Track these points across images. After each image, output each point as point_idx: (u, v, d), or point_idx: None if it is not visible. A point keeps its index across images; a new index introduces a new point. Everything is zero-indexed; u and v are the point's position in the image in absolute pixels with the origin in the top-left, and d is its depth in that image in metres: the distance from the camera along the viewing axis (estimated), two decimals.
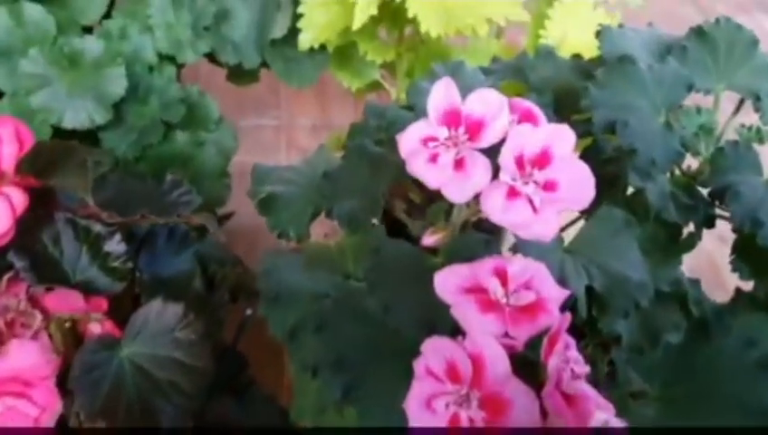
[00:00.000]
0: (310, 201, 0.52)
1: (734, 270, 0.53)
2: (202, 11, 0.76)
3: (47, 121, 0.69)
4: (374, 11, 0.69)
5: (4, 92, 0.71)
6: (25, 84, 0.69)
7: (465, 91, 0.63)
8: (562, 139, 0.41)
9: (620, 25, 0.62)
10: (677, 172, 0.52)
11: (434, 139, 0.43)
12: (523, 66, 0.64)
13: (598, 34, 0.61)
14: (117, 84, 0.70)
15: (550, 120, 0.57)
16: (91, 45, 0.70)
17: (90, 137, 0.74)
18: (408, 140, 0.44)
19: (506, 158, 0.40)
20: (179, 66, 0.78)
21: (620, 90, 0.50)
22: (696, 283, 0.52)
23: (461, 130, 0.43)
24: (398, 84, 0.92)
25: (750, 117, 0.54)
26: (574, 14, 0.77)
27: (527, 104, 0.46)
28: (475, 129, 0.42)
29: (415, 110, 0.59)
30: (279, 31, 0.78)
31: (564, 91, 0.57)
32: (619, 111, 0.49)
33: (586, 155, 0.52)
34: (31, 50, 0.68)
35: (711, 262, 0.85)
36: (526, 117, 0.45)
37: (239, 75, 0.85)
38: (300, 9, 0.74)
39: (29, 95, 0.68)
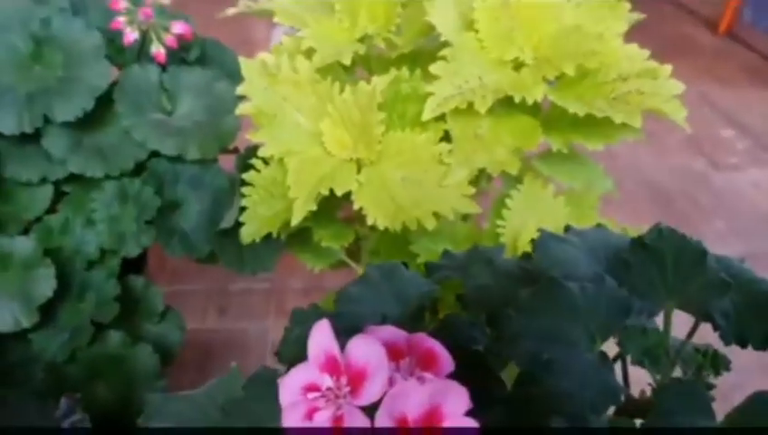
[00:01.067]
0: None
1: None
2: (147, 204, 0.74)
3: None
4: (313, 207, 0.66)
5: None
6: None
7: (400, 297, 0.58)
8: (453, 396, 0.35)
9: (567, 228, 0.57)
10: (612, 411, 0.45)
11: (316, 388, 0.38)
12: (468, 268, 0.59)
13: (566, 229, 0.57)
14: (45, 286, 0.67)
15: (479, 341, 0.51)
16: (21, 245, 0.67)
17: (21, 337, 0.70)
18: (290, 387, 0.39)
19: (383, 423, 0.34)
20: (123, 260, 0.75)
21: (548, 316, 0.45)
22: None
23: (343, 379, 0.37)
24: (363, 264, 0.88)
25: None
26: (533, 203, 0.73)
27: (429, 344, 0.40)
28: (356, 380, 0.37)
29: (340, 317, 0.54)
30: (227, 222, 0.75)
31: (500, 305, 0.51)
32: (545, 343, 0.43)
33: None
34: None
35: None
36: (427, 359, 0.40)
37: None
38: (244, 202, 0.71)
39: None
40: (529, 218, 0.72)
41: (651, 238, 0.49)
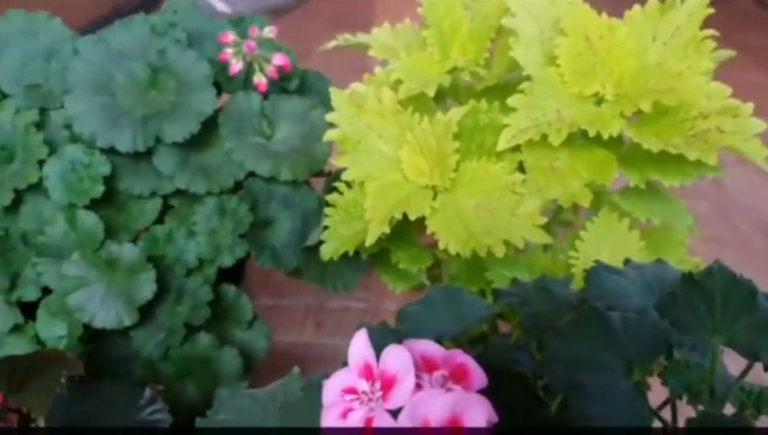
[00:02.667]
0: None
1: None
2: (242, 219, 0.80)
3: (80, 320, 0.74)
4: (386, 229, 0.70)
5: (53, 290, 0.77)
6: (66, 285, 0.74)
7: (458, 318, 0.61)
8: (475, 408, 0.38)
9: (626, 261, 0.58)
10: None
11: (353, 391, 0.42)
12: (531, 296, 0.61)
13: (625, 262, 0.58)
14: (146, 289, 0.75)
15: (524, 364, 0.53)
16: (128, 252, 0.75)
17: (124, 334, 0.78)
18: (331, 390, 0.43)
19: (404, 424, 0.37)
20: (219, 270, 0.82)
21: (585, 342, 0.46)
22: None
23: (377, 385, 0.41)
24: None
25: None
26: (607, 236, 0.74)
27: (462, 358, 0.43)
28: (388, 385, 0.40)
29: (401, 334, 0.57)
30: (312, 240, 0.80)
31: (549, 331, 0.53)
32: (580, 368, 0.45)
33: None
34: (74, 254, 0.74)
35: None
36: (459, 374, 0.43)
37: None
38: (326, 222, 0.76)
39: (66, 295, 0.74)
40: (602, 251, 0.73)
41: (701, 275, 0.50)
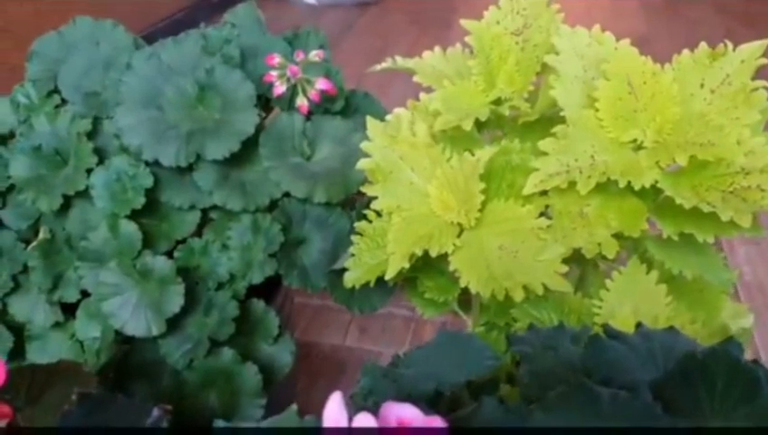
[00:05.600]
0: None
1: None
2: (273, 238, 0.82)
3: (113, 326, 0.78)
4: (405, 264, 0.70)
5: (91, 294, 0.81)
6: (102, 291, 0.78)
7: (463, 366, 0.61)
8: None
9: (638, 325, 0.57)
10: None
11: None
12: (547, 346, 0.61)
13: (637, 326, 0.57)
14: (175, 301, 0.78)
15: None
16: (160, 264, 0.78)
17: (153, 339, 0.81)
18: None
19: None
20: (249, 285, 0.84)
21: (571, 421, 0.46)
22: None
23: None
24: (474, 318, 0.90)
25: None
26: (633, 287, 0.72)
27: (438, 426, 0.43)
28: None
29: (401, 379, 0.58)
30: (339, 264, 0.81)
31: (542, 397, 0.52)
32: None
33: None
34: (111, 262, 0.78)
35: None
36: None
37: None
38: (352, 249, 0.77)
39: (102, 301, 0.77)
40: (626, 303, 0.71)
41: (705, 355, 0.49)
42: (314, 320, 1.54)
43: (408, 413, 0.44)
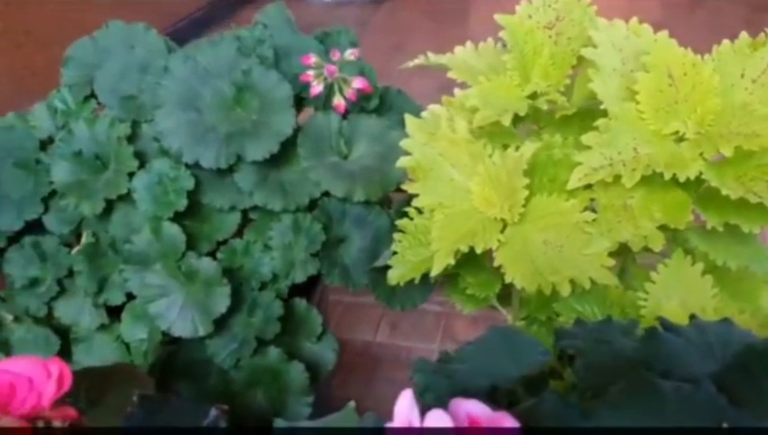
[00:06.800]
0: None
1: None
2: (315, 237, 0.83)
3: (160, 327, 0.79)
4: (451, 261, 0.71)
5: (137, 296, 0.82)
6: (148, 293, 0.79)
7: (514, 361, 0.61)
8: None
9: (692, 317, 0.57)
10: None
11: None
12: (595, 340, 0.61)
13: (691, 318, 0.57)
14: (221, 302, 0.78)
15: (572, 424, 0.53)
16: (206, 265, 0.79)
17: (199, 340, 0.82)
18: None
19: None
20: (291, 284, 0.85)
21: (634, 416, 0.46)
22: None
23: None
24: (513, 313, 0.91)
25: None
26: (679, 279, 0.72)
27: (509, 423, 0.44)
28: None
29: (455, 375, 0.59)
30: (381, 262, 0.82)
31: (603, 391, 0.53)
32: None
33: None
34: (157, 265, 0.79)
35: None
36: None
37: None
38: (394, 247, 0.78)
39: (149, 303, 0.78)
40: (673, 295, 0.71)
41: (766, 345, 0.49)
42: (345, 316, 1.55)
43: (477, 410, 0.44)
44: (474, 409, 0.44)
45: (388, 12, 3.41)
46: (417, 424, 0.42)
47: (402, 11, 3.44)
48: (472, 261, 0.82)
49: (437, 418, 0.41)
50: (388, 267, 0.83)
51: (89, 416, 0.56)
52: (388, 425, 0.45)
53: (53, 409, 0.53)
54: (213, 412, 0.60)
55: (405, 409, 0.43)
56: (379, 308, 1.53)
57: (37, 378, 0.52)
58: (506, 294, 0.92)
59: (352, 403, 0.62)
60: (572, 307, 0.80)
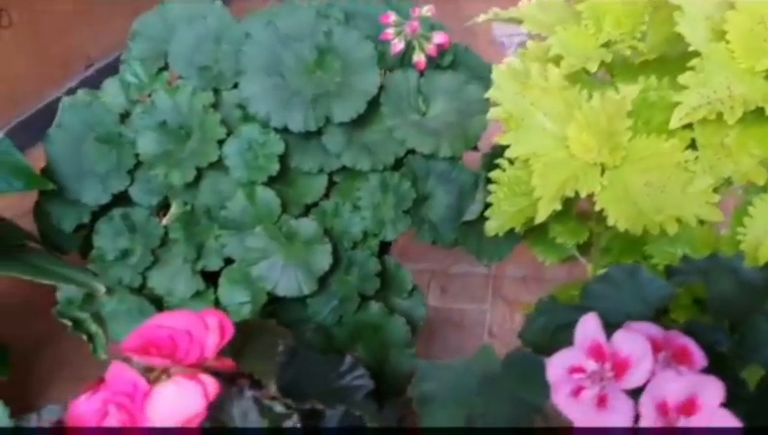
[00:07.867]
0: (463, 404, 0.54)
1: None
2: (404, 195, 0.84)
3: (264, 289, 0.80)
4: (558, 206, 0.72)
5: (235, 260, 0.84)
6: (249, 256, 0.80)
7: (640, 297, 0.63)
8: (709, 389, 0.41)
9: None
10: None
11: (580, 370, 0.45)
12: (709, 274, 0.62)
13: None
14: (323, 260, 0.80)
15: (720, 346, 0.55)
16: (305, 226, 0.80)
17: (299, 300, 0.84)
18: (555, 367, 0.46)
19: (646, 405, 0.40)
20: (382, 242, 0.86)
21: None
22: None
23: (607, 365, 0.44)
24: (594, 260, 0.92)
25: None
26: None
27: (683, 341, 0.45)
28: (620, 367, 0.43)
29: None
30: (470, 215, 0.83)
31: (744, 313, 0.55)
32: None
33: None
34: (256, 228, 0.80)
35: None
36: (680, 355, 0.45)
37: None
38: (489, 199, 0.79)
39: (250, 265, 0.80)
40: None
41: None
42: None
43: (652, 330, 0.46)
44: (648, 330, 0.46)
45: None
46: (604, 344, 0.44)
47: None
48: (561, 211, 0.83)
49: (630, 337, 0.43)
50: (476, 222, 0.84)
51: (239, 363, 0.57)
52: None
53: (215, 359, 0.54)
54: (348, 359, 0.62)
55: (590, 330, 0.45)
56: (426, 273, 1.54)
57: (195, 331, 0.54)
58: (586, 246, 0.94)
59: (488, 342, 0.64)
60: (664, 250, 0.81)
